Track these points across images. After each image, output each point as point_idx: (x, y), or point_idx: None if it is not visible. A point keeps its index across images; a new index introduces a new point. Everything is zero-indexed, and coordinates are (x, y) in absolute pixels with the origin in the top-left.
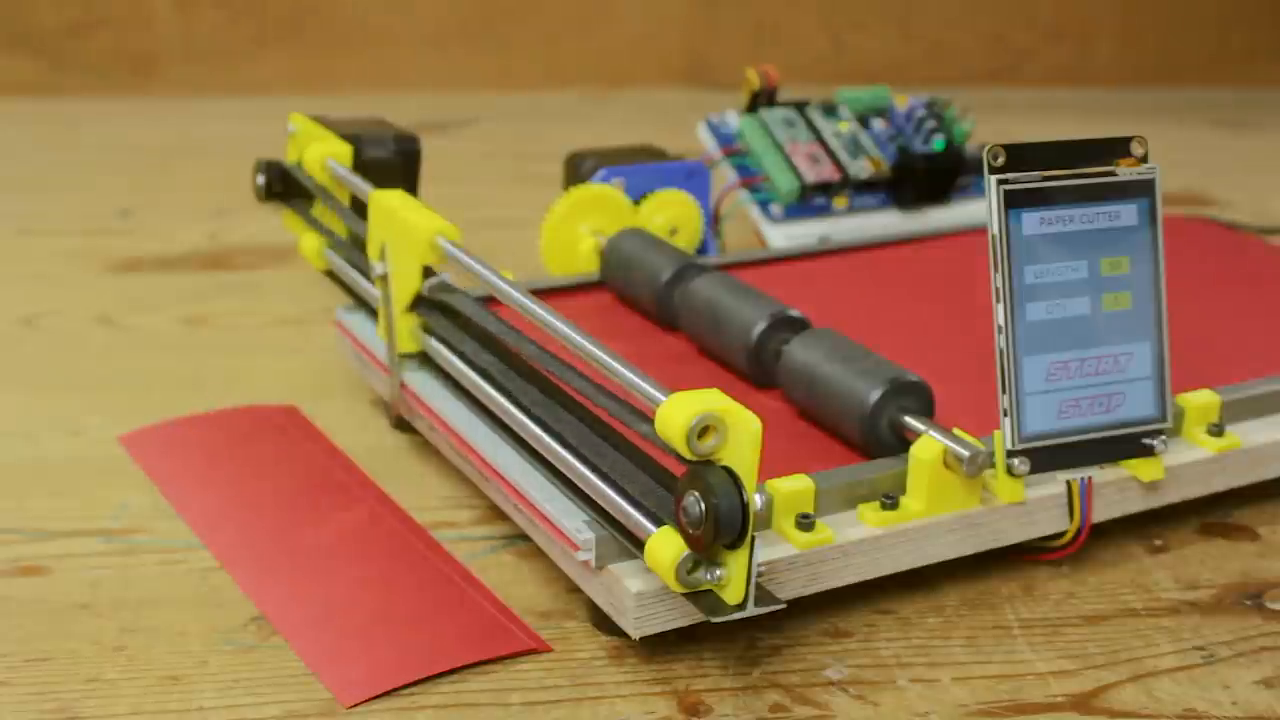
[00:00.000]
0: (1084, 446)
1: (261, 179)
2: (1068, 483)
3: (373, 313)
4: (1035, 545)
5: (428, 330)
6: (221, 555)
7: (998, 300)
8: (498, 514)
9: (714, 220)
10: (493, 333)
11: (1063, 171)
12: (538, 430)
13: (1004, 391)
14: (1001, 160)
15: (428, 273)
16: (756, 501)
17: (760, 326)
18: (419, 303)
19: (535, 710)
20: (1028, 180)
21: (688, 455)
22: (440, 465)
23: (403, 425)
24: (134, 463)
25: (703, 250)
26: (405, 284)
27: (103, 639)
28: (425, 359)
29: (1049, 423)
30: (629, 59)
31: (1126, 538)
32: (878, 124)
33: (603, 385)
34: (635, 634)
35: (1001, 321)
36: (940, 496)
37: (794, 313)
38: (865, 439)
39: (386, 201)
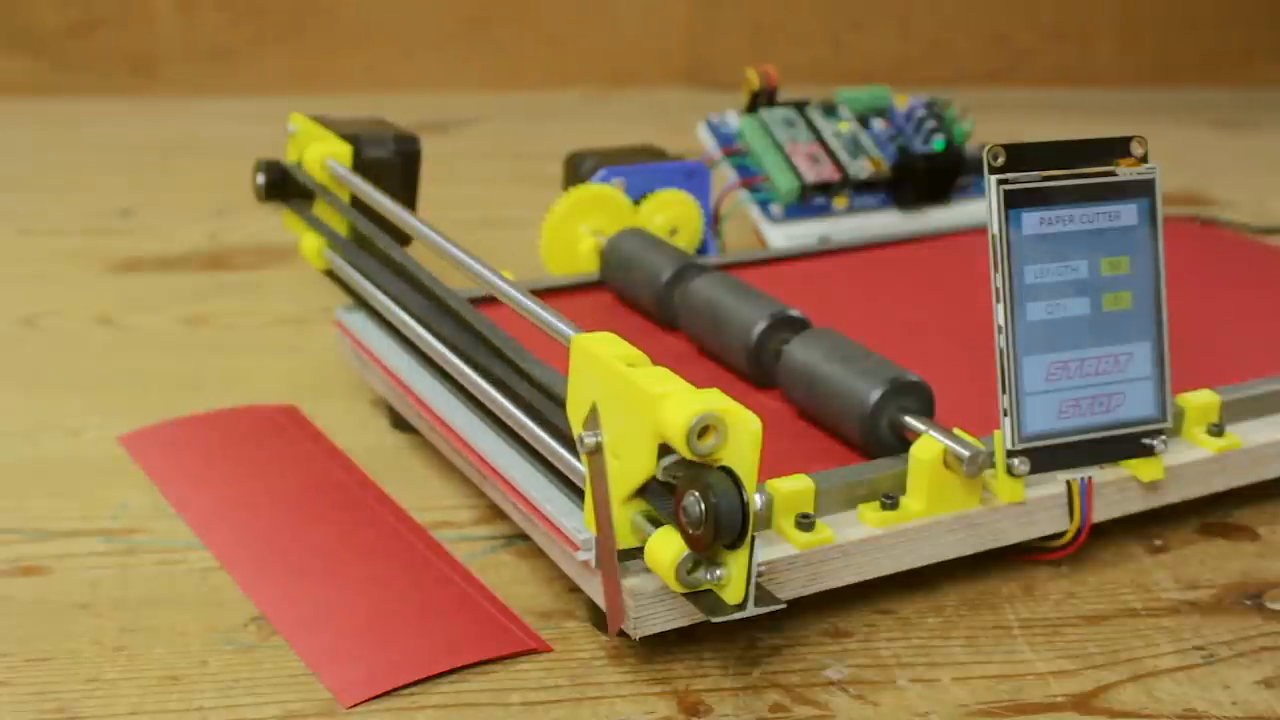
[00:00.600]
0: (1084, 446)
1: (261, 179)
2: (1068, 483)
3: (374, 314)
4: (1035, 545)
5: (652, 519)
6: (221, 555)
7: (998, 300)
8: (498, 514)
9: (714, 220)
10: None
11: (1062, 171)
12: (538, 430)
13: (1004, 391)
14: (1001, 160)
15: (663, 450)
16: (756, 501)
17: (760, 326)
18: (647, 487)
19: (535, 710)
20: (1028, 180)
21: (688, 455)
22: (440, 465)
23: (402, 425)
24: (134, 463)
25: (703, 250)
26: (632, 467)
27: (103, 639)
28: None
29: (1049, 423)
30: (629, 59)
31: (1126, 538)
32: (878, 124)
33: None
34: (635, 634)
35: (1001, 321)
36: (940, 496)
37: (794, 313)
38: (865, 439)
39: (601, 354)
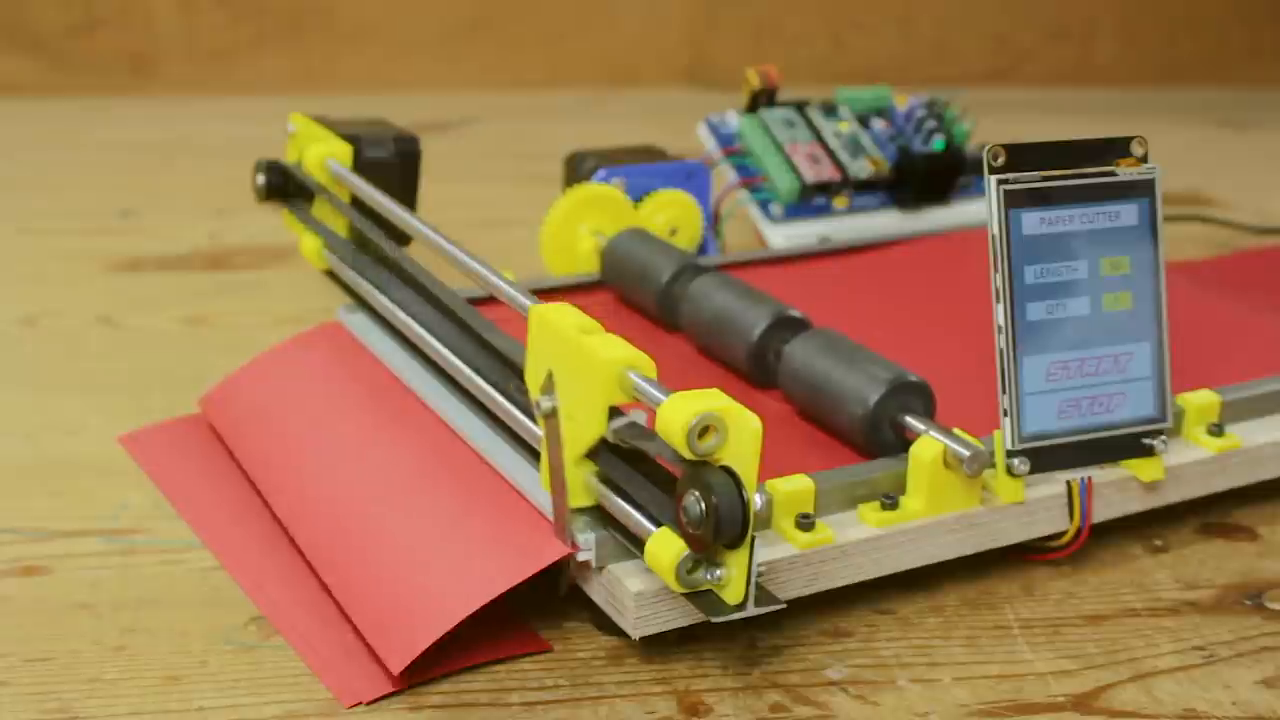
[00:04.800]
0: (1084, 446)
1: (261, 179)
2: (1068, 483)
3: (374, 314)
4: (1035, 545)
5: (605, 480)
6: (221, 555)
7: (998, 300)
8: None
9: (714, 220)
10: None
11: (1063, 171)
12: (538, 429)
13: (1004, 391)
14: (1001, 160)
15: (612, 413)
16: (757, 501)
17: (761, 326)
18: (598, 449)
19: (535, 710)
20: (1028, 180)
21: (688, 455)
22: None
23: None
24: (134, 463)
25: (703, 250)
26: (584, 427)
27: (103, 639)
28: (601, 513)
29: (1049, 423)
30: (629, 59)
31: (1126, 538)
32: (878, 124)
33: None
34: (635, 634)
35: (1001, 321)
36: (940, 496)
37: (794, 313)
38: (866, 439)
39: (556, 321)
